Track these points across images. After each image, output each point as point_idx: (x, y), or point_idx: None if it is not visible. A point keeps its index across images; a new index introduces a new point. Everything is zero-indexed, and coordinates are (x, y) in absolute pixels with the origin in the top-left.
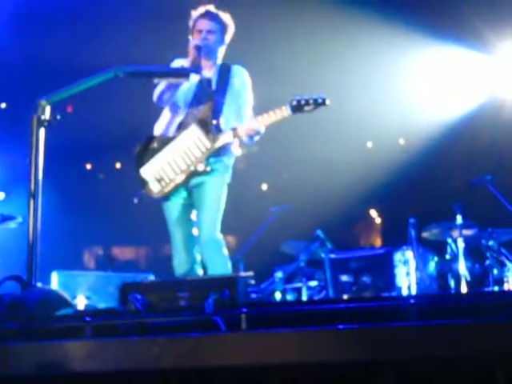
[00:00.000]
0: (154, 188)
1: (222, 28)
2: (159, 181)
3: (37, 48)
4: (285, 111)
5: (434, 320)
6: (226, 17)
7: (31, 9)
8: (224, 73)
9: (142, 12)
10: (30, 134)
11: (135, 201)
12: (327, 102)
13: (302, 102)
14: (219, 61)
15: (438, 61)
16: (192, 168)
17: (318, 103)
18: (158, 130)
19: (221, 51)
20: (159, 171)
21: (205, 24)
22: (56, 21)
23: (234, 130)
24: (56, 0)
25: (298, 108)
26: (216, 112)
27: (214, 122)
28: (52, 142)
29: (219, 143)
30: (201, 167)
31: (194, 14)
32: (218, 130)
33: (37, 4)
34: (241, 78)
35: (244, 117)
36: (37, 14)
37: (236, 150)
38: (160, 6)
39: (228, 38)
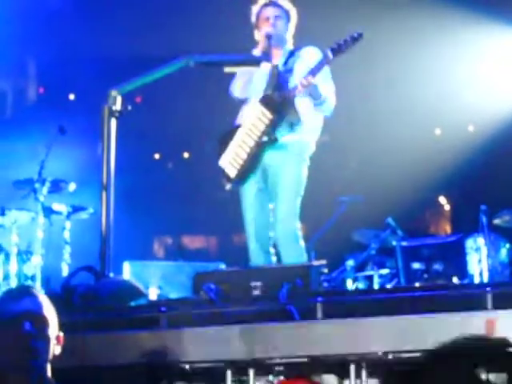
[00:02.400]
0: (231, 173)
1: (287, 14)
2: (233, 165)
3: (106, 38)
4: (327, 57)
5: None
6: (287, 3)
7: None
8: (292, 56)
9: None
10: (101, 125)
11: (227, 187)
12: (362, 36)
13: (341, 42)
14: (288, 45)
15: (510, 45)
16: (259, 141)
17: (355, 38)
18: (237, 121)
19: (289, 37)
20: (233, 156)
21: (271, 11)
22: (126, 11)
23: (286, 92)
24: None
25: (337, 49)
26: (280, 87)
27: (276, 94)
28: (121, 131)
29: (280, 111)
30: (265, 138)
31: (255, 7)
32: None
33: None
34: (309, 55)
35: None
36: (107, 4)
37: (315, 128)
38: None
39: (293, 23)
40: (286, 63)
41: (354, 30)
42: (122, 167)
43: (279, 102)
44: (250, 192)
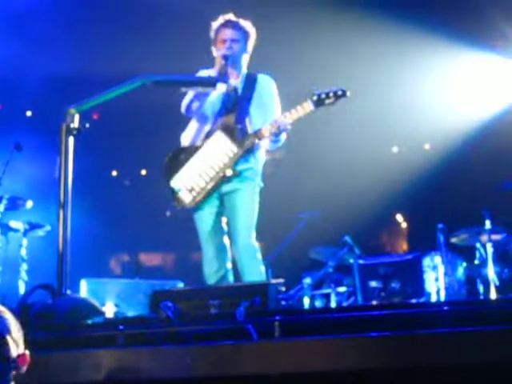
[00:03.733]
0: (186, 198)
1: (245, 36)
2: (190, 191)
3: (63, 56)
4: (307, 107)
5: (465, 326)
6: (247, 24)
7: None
8: (250, 81)
9: (161, 21)
10: (59, 143)
11: (167, 214)
12: (347, 93)
13: (323, 96)
14: (244, 69)
15: (464, 65)
16: (221, 174)
17: (339, 95)
18: (185, 139)
19: (245, 59)
20: (189, 181)
21: (228, 33)
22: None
23: (258, 130)
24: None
25: (319, 102)
26: (241, 117)
27: (239, 126)
28: (79, 147)
29: (245, 146)
30: (229, 172)
31: (215, 24)
32: (244, 134)
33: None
34: (267, 86)
35: None
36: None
37: (263, 156)
38: (178, 16)
39: (251, 45)
40: (244, 88)
41: (338, 86)
42: (80, 184)
43: (244, 138)
44: (206, 216)
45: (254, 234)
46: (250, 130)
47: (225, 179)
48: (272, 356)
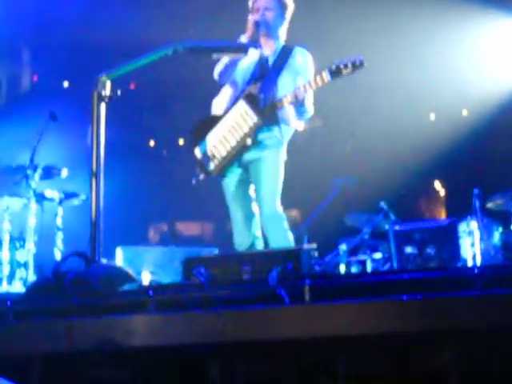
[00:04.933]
0: (209, 166)
1: (281, 5)
2: (212, 159)
3: (100, 24)
4: (324, 77)
5: (498, 289)
6: None
7: None
8: (284, 53)
9: None
10: (91, 110)
11: (193, 182)
12: (365, 63)
13: (341, 66)
14: (281, 40)
15: (502, 29)
16: (241, 143)
17: (356, 65)
18: (215, 107)
19: (282, 30)
20: (211, 149)
21: (262, 1)
22: None
23: (278, 100)
24: None
25: (336, 73)
26: (266, 87)
27: (262, 95)
28: (117, 118)
29: (265, 116)
30: (249, 142)
31: None
32: (266, 104)
33: None
34: (302, 59)
35: None
36: None
37: (295, 124)
38: None
39: (288, 15)
40: (277, 59)
41: (356, 54)
42: (118, 153)
43: (265, 107)
44: (231, 184)
45: (278, 202)
46: (275, 99)
47: (245, 148)
48: (303, 320)
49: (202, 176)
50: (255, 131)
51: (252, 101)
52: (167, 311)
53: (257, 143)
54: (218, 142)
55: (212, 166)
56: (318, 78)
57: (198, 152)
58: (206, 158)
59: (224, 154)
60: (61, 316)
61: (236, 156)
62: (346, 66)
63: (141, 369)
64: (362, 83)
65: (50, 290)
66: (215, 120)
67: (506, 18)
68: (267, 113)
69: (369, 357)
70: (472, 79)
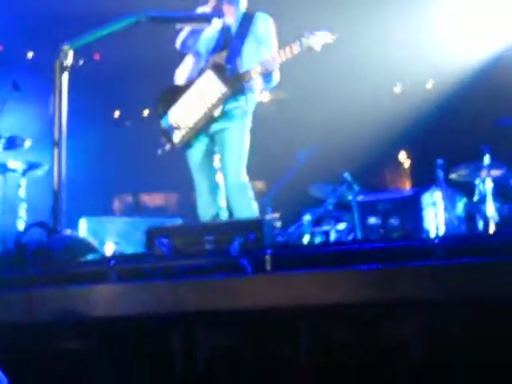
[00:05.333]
0: (175, 137)
1: None
2: (179, 129)
3: None
4: (294, 48)
5: (458, 259)
6: None
7: None
8: (246, 20)
9: None
10: (53, 80)
11: (159, 152)
12: (334, 36)
13: (310, 38)
14: (242, 7)
15: (466, 1)
16: (209, 114)
17: (325, 37)
18: (179, 77)
19: None
20: (178, 120)
21: None
22: None
23: (246, 71)
24: None
25: (306, 44)
26: (232, 57)
27: (229, 66)
28: (80, 88)
29: (234, 87)
30: (217, 113)
31: None
32: (233, 74)
33: None
34: (264, 24)
35: None
36: None
37: (259, 96)
38: None
39: None
40: (239, 27)
41: (328, 27)
42: (82, 124)
43: (232, 78)
44: (196, 154)
45: (244, 172)
46: (241, 69)
47: (213, 119)
48: (265, 290)
49: (167, 146)
50: (223, 101)
51: (219, 70)
52: (129, 281)
53: (224, 114)
54: (184, 113)
55: (178, 136)
56: (288, 49)
57: (163, 122)
58: (172, 128)
59: (191, 124)
60: (22, 287)
61: (203, 127)
62: (315, 37)
63: (103, 339)
64: (327, 55)
65: (11, 260)
66: (181, 90)
67: None
68: (235, 83)
69: (331, 326)
70: (436, 52)
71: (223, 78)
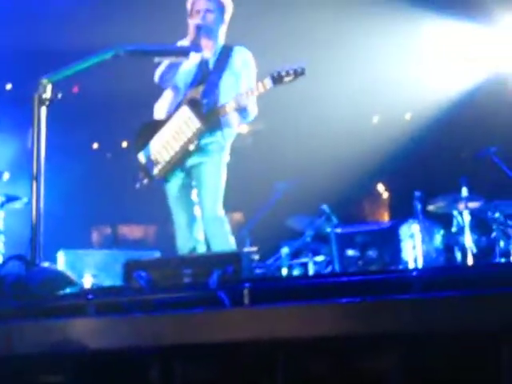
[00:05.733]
0: (153, 171)
1: (220, 6)
2: (155, 164)
3: (37, 29)
4: (266, 84)
5: (437, 292)
6: None
7: None
8: (224, 53)
9: None
10: (32, 114)
11: (137, 186)
12: (305, 71)
13: (282, 73)
14: (220, 41)
15: (443, 35)
16: (184, 148)
17: (298, 73)
18: (158, 111)
19: (221, 31)
20: (155, 154)
21: (202, 4)
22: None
23: (221, 106)
24: None
25: (278, 79)
26: (208, 91)
27: (205, 100)
28: (59, 121)
29: (209, 122)
30: (192, 147)
31: None
32: (209, 109)
33: None
34: (241, 58)
35: None
36: None
37: (238, 128)
38: None
39: (227, 16)
40: (217, 61)
41: (297, 62)
42: (61, 156)
43: (208, 112)
44: (173, 188)
45: (220, 206)
46: (217, 104)
47: (188, 153)
48: (243, 323)
49: (145, 181)
50: (198, 136)
51: (195, 106)
52: (107, 314)
53: (199, 148)
54: (161, 147)
55: (155, 170)
56: (260, 84)
57: (141, 157)
58: (150, 162)
59: (167, 158)
60: (0, 320)
61: (179, 161)
62: (287, 73)
63: (81, 372)
64: (305, 87)
65: None
66: (158, 125)
67: (451, 22)
68: (210, 118)
69: (309, 360)
70: (415, 83)
71: (198, 113)
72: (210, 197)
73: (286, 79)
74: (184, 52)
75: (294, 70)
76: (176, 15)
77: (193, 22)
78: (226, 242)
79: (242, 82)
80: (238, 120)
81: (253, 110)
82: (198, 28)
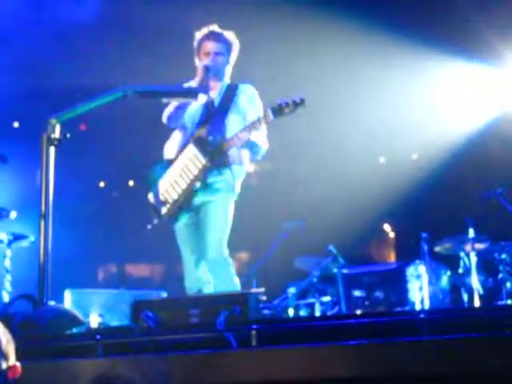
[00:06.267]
0: (162, 211)
1: (228, 48)
2: (164, 203)
3: (47, 67)
4: (267, 116)
5: (446, 334)
6: (230, 36)
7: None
8: (229, 92)
9: (147, 34)
10: (40, 153)
11: (148, 227)
12: (304, 102)
13: (282, 105)
14: (226, 80)
15: (450, 75)
16: (191, 186)
17: (297, 104)
18: (167, 151)
19: (227, 71)
20: (163, 194)
21: (211, 46)
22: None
23: (225, 140)
24: (65, 19)
25: (278, 111)
26: (214, 129)
27: (210, 138)
28: (65, 159)
29: (214, 158)
30: (198, 184)
31: (198, 35)
32: (214, 146)
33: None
34: (246, 95)
35: None
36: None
37: (247, 167)
38: (163, 30)
39: (234, 56)
40: (222, 99)
41: (297, 94)
42: (68, 194)
43: (213, 148)
44: (182, 228)
45: (225, 247)
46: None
47: (195, 192)
48: (250, 365)
49: (156, 221)
50: (205, 173)
51: (200, 143)
52: (115, 355)
53: (207, 186)
54: (169, 186)
55: (164, 210)
56: (262, 117)
57: (151, 196)
58: (159, 202)
59: (175, 197)
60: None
61: (187, 199)
62: (287, 104)
63: None
64: (312, 127)
65: None
66: (167, 165)
67: (457, 64)
68: (216, 154)
69: None
70: (423, 124)
71: (203, 150)
72: (214, 238)
73: (286, 110)
74: (192, 93)
75: (293, 101)
76: (183, 57)
77: (201, 64)
78: (230, 284)
79: (249, 119)
80: (248, 157)
81: (263, 145)
82: (207, 69)
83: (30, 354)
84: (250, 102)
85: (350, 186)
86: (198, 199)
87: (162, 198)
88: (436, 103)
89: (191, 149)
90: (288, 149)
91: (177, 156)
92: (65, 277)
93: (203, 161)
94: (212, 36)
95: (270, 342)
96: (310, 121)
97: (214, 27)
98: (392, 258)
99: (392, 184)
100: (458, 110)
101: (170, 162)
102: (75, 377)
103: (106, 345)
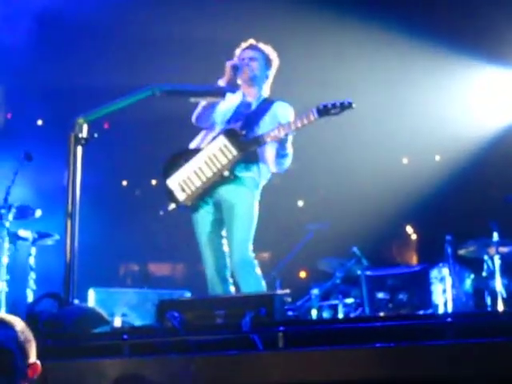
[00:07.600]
0: (180, 196)
1: (264, 56)
2: (184, 189)
3: (75, 66)
4: (311, 116)
5: (471, 338)
6: (267, 48)
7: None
8: (266, 103)
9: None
10: (68, 153)
11: (161, 213)
12: (353, 105)
13: (329, 106)
14: (264, 92)
15: (475, 78)
16: (218, 174)
17: (345, 106)
18: (192, 145)
19: (265, 83)
20: (185, 180)
21: (247, 53)
22: (96, 41)
23: (260, 135)
24: (95, 18)
25: (324, 112)
26: (248, 125)
27: (244, 132)
28: (88, 158)
29: (245, 150)
30: (226, 173)
31: (238, 50)
32: (248, 139)
33: (75, 21)
34: (282, 111)
35: None
36: (75, 31)
37: (272, 168)
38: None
39: (273, 71)
40: (260, 104)
41: (346, 97)
42: (90, 193)
43: (246, 142)
44: (204, 220)
45: (250, 247)
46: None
47: (222, 181)
48: (276, 366)
49: (171, 206)
50: (234, 165)
51: (232, 135)
52: (141, 355)
53: (232, 178)
54: (192, 174)
55: (183, 196)
56: (305, 116)
57: (170, 182)
58: (178, 188)
59: (198, 184)
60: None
61: (210, 188)
62: (334, 105)
63: None
64: (336, 128)
65: None
66: (191, 154)
67: (481, 67)
68: (248, 147)
69: None
70: (445, 125)
71: (235, 141)
72: (239, 238)
73: (332, 111)
74: (220, 92)
75: (341, 103)
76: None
77: (229, 63)
78: (254, 285)
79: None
80: (273, 158)
81: (290, 152)
82: (235, 68)
83: (55, 353)
84: (284, 115)
85: (373, 187)
86: (221, 190)
87: (182, 183)
88: (459, 105)
89: (221, 139)
90: (311, 150)
91: (204, 146)
92: (88, 275)
93: (234, 152)
94: (250, 46)
95: (296, 343)
96: (334, 124)
97: (251, 41)
98: (414, 260)
99: (415, 185)
100: (482, 111)
101: (194, 152)
102: (101, 376)
103: (133, 345)
